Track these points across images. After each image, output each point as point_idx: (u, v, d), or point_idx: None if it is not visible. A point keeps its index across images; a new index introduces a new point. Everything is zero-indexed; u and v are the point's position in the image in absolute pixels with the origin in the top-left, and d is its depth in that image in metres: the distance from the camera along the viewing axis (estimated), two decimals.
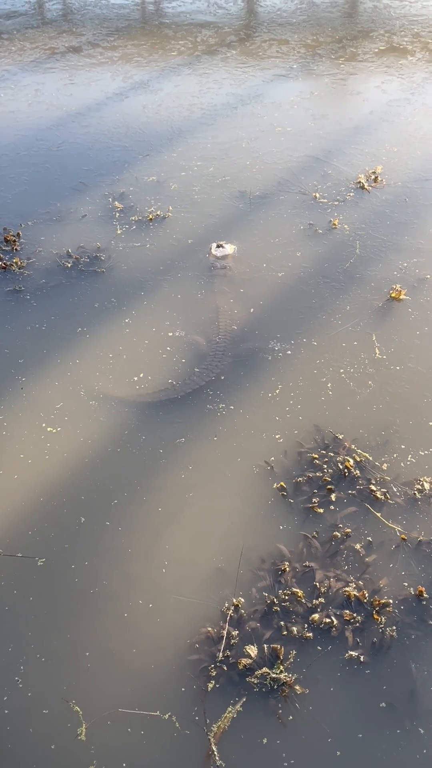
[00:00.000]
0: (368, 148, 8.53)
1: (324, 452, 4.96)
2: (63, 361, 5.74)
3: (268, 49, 11.26)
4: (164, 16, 12.76)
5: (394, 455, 4.94)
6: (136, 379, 5.58)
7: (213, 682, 3.84)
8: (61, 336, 5.98)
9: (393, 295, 6.22)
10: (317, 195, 7.62)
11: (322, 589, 4.20)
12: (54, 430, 5.19)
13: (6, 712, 3.77)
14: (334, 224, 7.15)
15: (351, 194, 7.64)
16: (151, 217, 7.33)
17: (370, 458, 4.91)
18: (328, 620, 4.06)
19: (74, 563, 4.39)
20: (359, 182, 7.79)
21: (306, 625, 4.06)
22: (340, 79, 10.27)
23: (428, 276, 6.45)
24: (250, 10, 13.08)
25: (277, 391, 5.41)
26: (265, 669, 3.85)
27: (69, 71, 10.76)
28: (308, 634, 4.01)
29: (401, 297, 6.21)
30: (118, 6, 13.20)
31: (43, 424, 5.23)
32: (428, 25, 11.98)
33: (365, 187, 7.72)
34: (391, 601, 4.14)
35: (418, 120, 9.10)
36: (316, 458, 4.92)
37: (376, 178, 7.84)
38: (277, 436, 5.09)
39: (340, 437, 5.05)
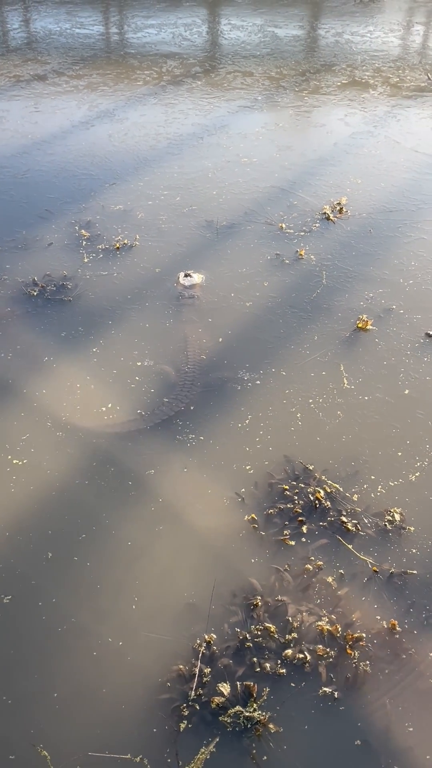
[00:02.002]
0: (333, 179, 8.65)
1: (294, 483, 4.94)
2: (29, 392, 5.64)
3: (232, 81, 11.40)
4: (129, 47, 12.85)
5: (365, 486, 4.94)
6: (104, 409, 5.51)
7: (185, 722, 3.76)
8: (27, 366, 5.88)
9: (360, 325, 6.27)
10: (283, 225, 7.68)
11: (295, 624, 4.15)
12: (20, 463, 5.09)
13: None
14: (301, 254, 7.21)
15: (317, 225, 7.72)
16: (118, 245, 7.30)
17: (341, 489, 4.90)
18: (301, 656, 4.01)
19: (41, 600, 4.28)
20: (324, 213, 7.88)
21: (279, 661, 4.00)
22: (305, 111, 10.43)
23: (394, 306, 6.52)
24: (215, 42, 13.26)
25: (247, 422, 5.39)
26: (238, 707, 3.78)
27: (34, 99, 10.75)
28: (281, 671, 3.96)
29: (368, 327, 6.26)
30: (83, 36, 13.26)
31: (9, 456, 5.13)
32: (388, 60, 12.26)
33: (330, 218, 7.81)
34: (364, 635, 4.10)
35: (381, 152, 9.26)
36: (286, 489, 4.89)
37: (341, 209, 7.94)
38: (247, 467, 5.06)
39: (311, 468, 5.04)
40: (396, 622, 4.14)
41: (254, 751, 3.65)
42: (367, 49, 12.74)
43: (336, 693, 3.87)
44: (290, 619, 4.18)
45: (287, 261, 7.14)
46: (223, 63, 12.11)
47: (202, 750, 3.63)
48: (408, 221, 7.79)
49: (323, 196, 8.27)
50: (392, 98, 10.88)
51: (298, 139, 9.72)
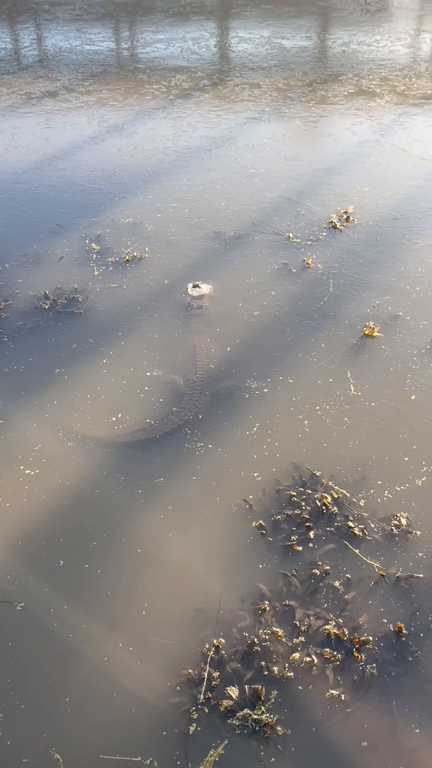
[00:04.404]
0: (340, 188, 8.72)
1: (302, 489, 5.01)
2: (41, 403, 5.75)
3: (240, 93, 11.52)
4: (138, 61, 13.03)
5: (371, 491, 4.99)
6: (114, 419, 5.61)
7: (194, 724, 3.82)
8: (38, 377, 6.00)
9: (366, 332, 6.33)
10: (291, 235, 7.77)
11: (303, 628, 4.21)
12: (32, 473, 5.19)
13: None
14: (308, 263, 7.28)
15: (323, 234, 7.80)
16: (127, 258, 7.42)
17: (348, 495, 4.96)
18: (308, 659, 4.06)
19: (54, 607, 4.37)
20: (331, 222, 7.96)
21: (287, 665, 4.06)
22: (312, 122, 10.52)
23: (400, 313, 6.58)
24: (223, 55, 13.40)
25: (255, 429, 5.46)
26: (246, 710, 3.84)
27: (45, 115, 10.92)
28: (289, 674, 4.01)
29: (374, 334, 6.32)
30: (93, 52, 13.46)
31: (21, 467, 5.23)
32: (395, 69, 12.34)
33: (337, 226, 7.88)
34: (371, 638, 4.15)
35: (387, 160, 9.33)
36: (294, 495, 4.96)
37: (348, 217, 8.01)
38: (255, 474, 5.13)
39: (318, 474, 5.10)
40: (402, 625, 4.19)
41: (262, 753, 3.71)
42: (374, 58, 12.83)
43: (343, 695, 3.92)
44: (298, 623, 4.24)
45: (294, 270, 7.22)
46: (231, 75, 12.24)
47: (211, 752, 3.70)
48: (414, 228, 7.85)
49: (330, 205, 8.35)
50: (399, 106, 10.95)
51: (305, 149, 9.82)
